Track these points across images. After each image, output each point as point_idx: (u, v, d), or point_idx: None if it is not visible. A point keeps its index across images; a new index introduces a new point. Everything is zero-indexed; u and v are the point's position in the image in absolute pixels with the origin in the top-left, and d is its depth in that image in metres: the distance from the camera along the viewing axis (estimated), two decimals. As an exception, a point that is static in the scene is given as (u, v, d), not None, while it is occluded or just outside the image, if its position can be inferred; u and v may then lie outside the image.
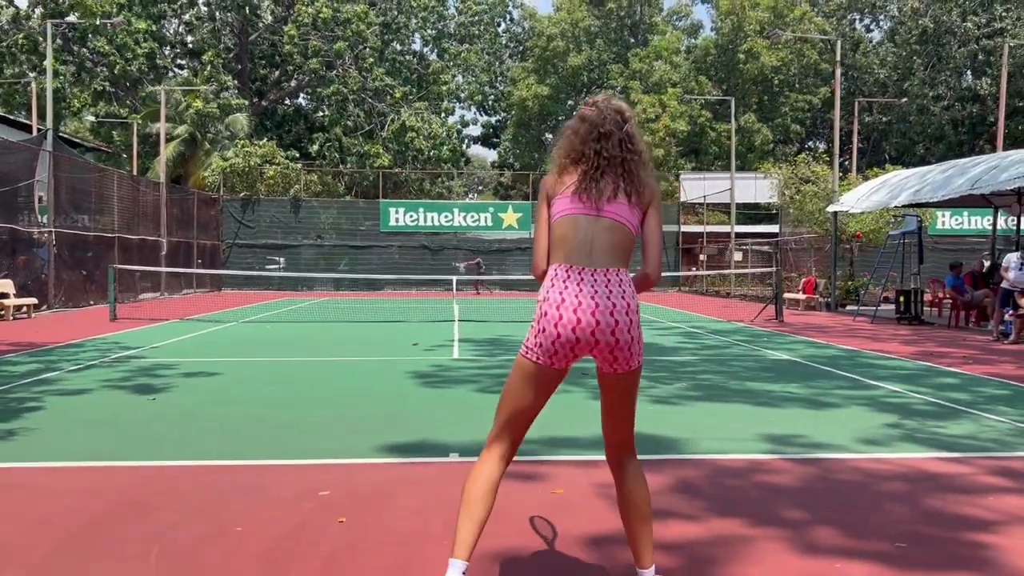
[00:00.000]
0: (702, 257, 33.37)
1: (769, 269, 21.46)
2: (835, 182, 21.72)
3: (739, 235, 32.14)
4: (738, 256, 32.20)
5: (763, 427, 6.04)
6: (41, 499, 4.19)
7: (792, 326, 15.61)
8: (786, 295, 22.30)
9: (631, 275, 2.88)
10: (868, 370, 9.33)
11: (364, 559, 3.37)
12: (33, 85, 30.38)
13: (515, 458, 4.97)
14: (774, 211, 32.96)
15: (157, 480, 4.58)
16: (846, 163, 37.10)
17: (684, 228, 34.26)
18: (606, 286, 2.71)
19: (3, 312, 16.32)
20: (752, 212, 39.52)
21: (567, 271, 2.73)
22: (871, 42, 53.98)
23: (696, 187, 34.89)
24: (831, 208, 20.60)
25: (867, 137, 50.70)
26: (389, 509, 4.05)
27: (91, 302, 20.85)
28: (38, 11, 38.21)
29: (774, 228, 33.05)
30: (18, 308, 17.03)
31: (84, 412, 6.55)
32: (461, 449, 5.29)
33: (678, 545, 3.56)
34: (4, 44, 37.07)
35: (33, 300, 17.49)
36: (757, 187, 33.29)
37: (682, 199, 35.34)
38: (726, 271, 27.85)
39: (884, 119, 49.95)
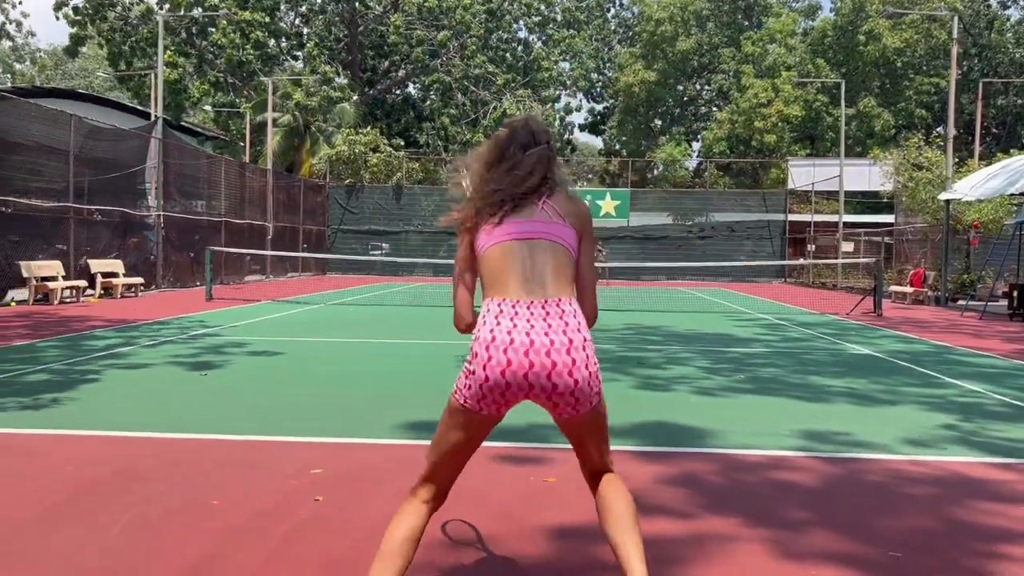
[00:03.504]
0: (810, 247, 32.04)
1: (867, 260, 20.33)
2: (949, 167, 20.35)
3: (852, 225, 30.69)
4: (849, 247, 30.76)
5: (804, 423, 5.68)
6: (47, 467, 4.35)
7: (889, 320, 14.74)
8: (894, 288, 21.16)
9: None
10: (951, 367, 8.68)
11: (321, 539, 3.33)
12: (158, 75, 31.98)
13: (514, 443, 4.91)
14: (888, 199, 31.27)
15: (166, 452, 4.68)
16: (970, 148, 34.74)
17: (791, 217, 32.96)
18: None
19: (112, 290, 17.30)
20: (871, 201, 37.67)
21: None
22: (1008, 20, 50.37)
23: (805, 174, 33.49)
24: (943, 196, 19.34)
25: (1002, 121, 47.42)
26: (373, 490, 4.01)
27: (197, 283, 21.83)
28: (165, 7, 40.36)
29: (889, 218, 31.38)
30: (127, 287, 18.01)
31: (134, 385, 6.81)
32: (473, 433, 5.19)
33: (651, 540, 3.34)
34: (134, 39, 39.33)
35: (140, 280, 18.46)
36: (871, 174, 31.67)
37: (789, 186, 34.00)
38: (830, 261, 26.62)
39: (1020, 102, 46.58)
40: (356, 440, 5.02)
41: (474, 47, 39.92)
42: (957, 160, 23.42)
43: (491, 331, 2.34)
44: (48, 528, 3.42)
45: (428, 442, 4.86)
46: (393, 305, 16.69)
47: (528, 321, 2.33)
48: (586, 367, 2.34)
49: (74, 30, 39.56)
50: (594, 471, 2.66)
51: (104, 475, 4.17)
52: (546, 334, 2.31)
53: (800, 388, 7.19)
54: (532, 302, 2.36)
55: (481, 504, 3.77)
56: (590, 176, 64.86)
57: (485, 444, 4.87)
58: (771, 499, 3.96)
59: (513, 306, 2.36)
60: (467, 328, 2.58)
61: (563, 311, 2.36)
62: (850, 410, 6.23)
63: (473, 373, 2.36)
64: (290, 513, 3.63)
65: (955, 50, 20.86)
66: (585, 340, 2.37)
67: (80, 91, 38.54)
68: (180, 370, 7.63)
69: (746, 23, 52.15)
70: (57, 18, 39.41)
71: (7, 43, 49.30)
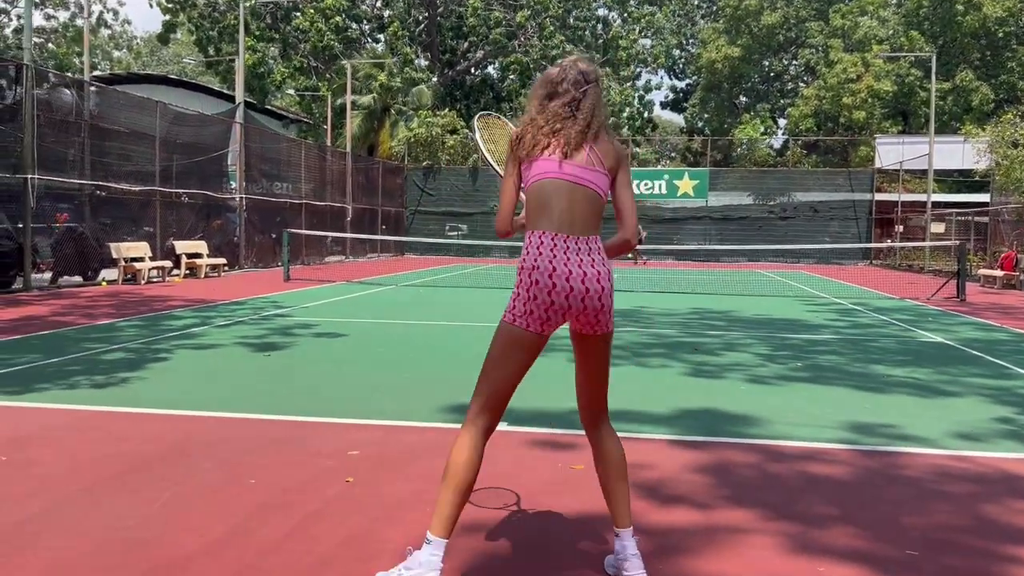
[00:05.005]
0: (898, 228, 30.89)
1: (949, 243, 19.45)
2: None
3: (944, 205, 29.43)
4: (940, 228, 29.55)
5: (852, 414, 5.57)
6: (107, 441, 4.64)
7: (972, 306, 14.16)
8: (983, 272, 20.30)
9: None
10: (1027, 357, 8.33)
11: (343, 517, 3.48)
12: (241, 60, 32.92)
13: (544, 428, 4.98)
14: (983, 178, 29.84)
15: (217, 430, 4.92)
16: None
17: (878, 197, 31.81)
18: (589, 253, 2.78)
19: (196, 270, 18.03)
20: (967, 180, 35.96)
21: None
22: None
23: (894, 152, 32.25)
24: (1038, 175, 18.38)
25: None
26: (403, 472, 4.14)
27: (279, 263, 22.48)
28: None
29: (985, 197, 29.95)
30: (212, 267, 18.74)
31: (200, 365, 7.14)
32: (511, 418, 5.28)
33: (663, 531, 3.39)
34: (221, 24, 40.52)
35: (223, 260, 19.17)
36: (965, 152, 30.26)
37: (877, 165, 32.80)
38: (915, 244, 25.61)
39: None
40: (398, 423, 5.16)
41: (552, 27, 39.70)
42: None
43: (546, 260, 2.72)
44: (97, 499, 3.67)
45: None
46: (464, 287, 16.91)
47: (567, 253, 2.73)
48: (609, 295, 2.77)
49: (166, 17, 41.02)
50: (594, 411, 2.99)
51: (157, 451, 4.42)
52: (580, 265, 2.73)
53: (858, 377, 7.02)
54: (568, 236, 2.75)
55: (512, 486, 3.85)
56: (672, 155, 63.82)
57: (518, 429, 4.99)
58: (798, 492, 3.92)
59: (561, 239, 2.74)
60: (505, 235, 2.97)
61: (591, 248, 2.78)
62: (905, 401, 6.07)
63: (528, 297, 2.74)
64: (319, 492, 3.79)
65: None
66: (608, 273, 2.79)
67: (172, 77, 39.99)
68: (246, 351, 7.96)
69: (836, -5, 50.27)
70: (151, 5, 40.94)
71: (105, 31, 51.43)
